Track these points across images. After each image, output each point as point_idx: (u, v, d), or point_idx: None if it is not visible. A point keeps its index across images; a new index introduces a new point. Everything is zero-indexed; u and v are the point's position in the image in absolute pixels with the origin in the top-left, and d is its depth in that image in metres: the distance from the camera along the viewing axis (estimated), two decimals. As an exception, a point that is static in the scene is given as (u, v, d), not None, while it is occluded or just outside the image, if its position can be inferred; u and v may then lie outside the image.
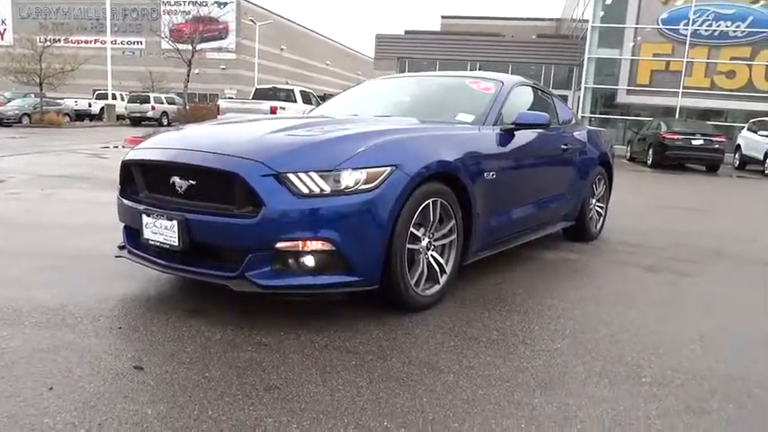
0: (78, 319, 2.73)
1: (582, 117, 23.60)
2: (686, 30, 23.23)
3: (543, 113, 3.83)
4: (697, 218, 7.28)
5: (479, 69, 29.38)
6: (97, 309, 2.88)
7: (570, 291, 3.57)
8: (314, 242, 2.56)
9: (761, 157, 16.27)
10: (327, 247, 2.56)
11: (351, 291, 2.69)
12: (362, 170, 2.61)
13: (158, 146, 3.05)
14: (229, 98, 30.21)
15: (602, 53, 24.79)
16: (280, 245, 2.56)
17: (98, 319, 2.74)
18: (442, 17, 47.46)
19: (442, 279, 3.10)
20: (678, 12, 23.43)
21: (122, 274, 3.40)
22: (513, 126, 3.72)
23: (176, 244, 2.71)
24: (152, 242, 2.82)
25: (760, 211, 8.78)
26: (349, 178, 2.58)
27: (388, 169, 2.67)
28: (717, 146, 15.70)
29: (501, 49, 29.39)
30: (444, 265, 3.11)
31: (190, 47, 27.28)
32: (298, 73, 66.36)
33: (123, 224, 3.15)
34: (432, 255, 3.04)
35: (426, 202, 2.88)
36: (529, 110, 4.02)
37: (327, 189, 2.55)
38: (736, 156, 18.09)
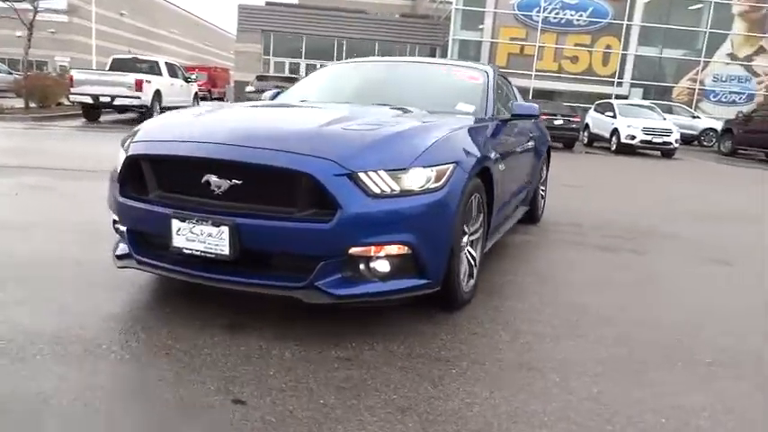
0: (101, 346, 2.29)
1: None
2: (538, 16, 25.16)
3: (534, 104, 3.92)
4: (584, 195, 7.83)
5: (345, 46, 29.41)
6: (114, 330, 2.43)
7: (568, 276, 3.74)
8: (390, 246, 2.38)
9: (607, 136, 18.24)
10: (403, 250, 2.40)
11: (417, 294, 2.55)
12: (432, 168, 2.46)
13: (180, 138, 2.61)
14: (85, 69, 26.96)
15: (464, 35, 26.01)
16: (354, 250, 2.34)
17: (128, 344, 2.32)
18: (301, -12, 46.57)
19: (475, 273, 3.07)
20: (531, -1, 25.25)
21: (105, 285, 2.92)
22: (510, 117, 3.76)
23: (226, 253, 2.36)
24: (187, 251, 2.44)
25: (631, 184, 9.82)
26: (420, 177, 2.43)
27: (451, 166, 2.55)
28: (574, 125, 17.30)
29: (366, 27, 29.53)
30: (476, 260, 3.09)
31: (29, 5, 23.68)
32: (141, 41, 61.11)
33: (125, 229, 2.69)
34: (468, 250, 3.00)
35: (471, 197, 2.83)
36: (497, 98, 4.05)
37: (397, 189, 2.37)
38: (585, 134, 20.09)
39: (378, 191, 2.34)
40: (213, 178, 2.41)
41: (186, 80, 18.90)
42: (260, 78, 16.91)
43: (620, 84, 25.47)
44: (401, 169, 2.40)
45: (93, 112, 14.95)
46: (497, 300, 3.13)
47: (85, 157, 7.70)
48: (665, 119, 17.38)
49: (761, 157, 17.73)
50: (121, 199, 2.63)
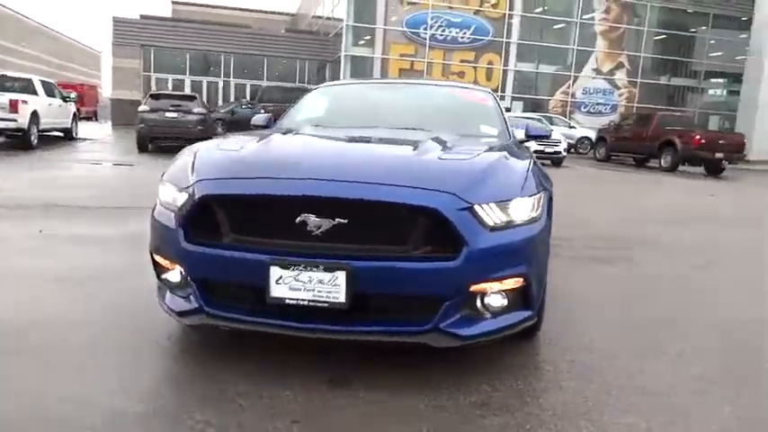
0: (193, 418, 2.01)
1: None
2: (426, 33, 26.08)
3: (545, 126, 4.03)
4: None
5: (233, 61, 28.51)
6: (205, 399, 2.15)
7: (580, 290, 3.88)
8: (507, 279, 2.33)
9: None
10: (519, 283, 2.37)
11: (522, 328, 2.49)
12: (532, 197, 2.46)
13: (265, 174, 2.37)
14: None
15: (356, 51, 26.29)
16: (475, 287, 2.27)
17: (232, 412, 2.05)
18: (173, 2, 44.48)
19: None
20: (418, 16, 26.13)
21: (170, 347, 2.57)
22: (525, 138, 3.83)
23: (341, 301, 2.18)
24: (290, 301, 2.20)
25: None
26: (525, 207, 2.41)
27: (542, 194, 2.55)
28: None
29: (253, 42, 28.83)
30: None
31: None
32: (-11, 57, 54.96)
33: (192, 279, 2.38)
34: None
35: None
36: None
37: (506, 220, 2.33)
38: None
39: (492, 224, 2.28)
40: (312, 218, 2.20)
41: (65, 99, 17.30)
42: (154, 97, 15.76)
43: (503, 97, 27.06)
44: (507, 200, 2.35)
45: (-43, 140, 13.18)
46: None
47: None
48: (552, 130, 18.71)
49: (630, 162, 19.71)
50: (190, 246, 2.33)
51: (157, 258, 2.55)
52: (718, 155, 16.58)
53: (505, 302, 2.35)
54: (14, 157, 11.19)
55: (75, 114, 18.15)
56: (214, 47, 28.00)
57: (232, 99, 28.06)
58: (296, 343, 2.45)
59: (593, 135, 22.54)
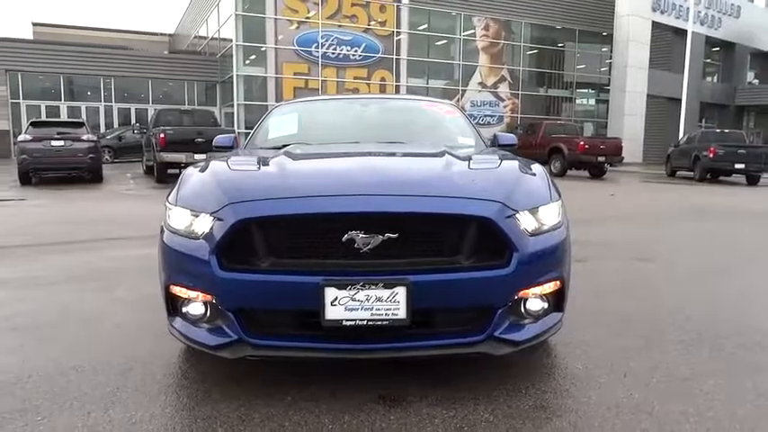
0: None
1: (240, 132, 24.03)
2: (318, 52, 26.11)
3: (512, 134, 4.17)
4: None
5: (114, 84, 26.79)
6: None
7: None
8: (548, 283, 2.38)
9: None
10: (557, 286, 2.43)
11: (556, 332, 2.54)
12: (556, 203, 2.54)
13: (308, 194, 2.24)
14: None
15: (248, 71, 25.74)
16: (522, 292, 2.28)
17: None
18: (34, 24, 41.18)
19: None
20: (309, 35, 26.08)
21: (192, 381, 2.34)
22: (498, 147, 3.94)
23: (402, 317, 2.10)
24: (348, 322, 2.09)
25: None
26: (553, 212, 2.49)
27: (560, 200, 2.63)
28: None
29: (135, 64, 27.28)
30: None
31: None
32: None
33: (226, 309, 2.18)
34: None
35: None
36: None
37: (538, 226, 2.39)
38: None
39: (531, 229, 2.32)
40: (361, 235, 2.12)
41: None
42: (36, 125, 14.38)
43: (397, 112, 27.72)
44: (539, 206, 2.41)
45: None
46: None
47: None
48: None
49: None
50: (225, 274, 2.15)
51: (176, 290, 2.32)
52: (601, 158, 18.08)
53: (546, 306, 2.40)
54: None
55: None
56: (90, 70, 26.13)
57: (116, 124, 26.30)
58: (321, 364, 2.36)
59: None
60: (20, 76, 25.26)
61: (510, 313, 2.29)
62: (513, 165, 2.71)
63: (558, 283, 2.41)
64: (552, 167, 18.74)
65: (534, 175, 2.65)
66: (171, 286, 2.34)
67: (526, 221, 2.30)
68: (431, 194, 2.26)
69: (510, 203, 2.27)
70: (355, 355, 2.17)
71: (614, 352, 2.85)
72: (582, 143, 18.13)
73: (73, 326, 3.22)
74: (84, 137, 13.93)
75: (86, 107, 26.48)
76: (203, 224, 2.23)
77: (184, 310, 2.33)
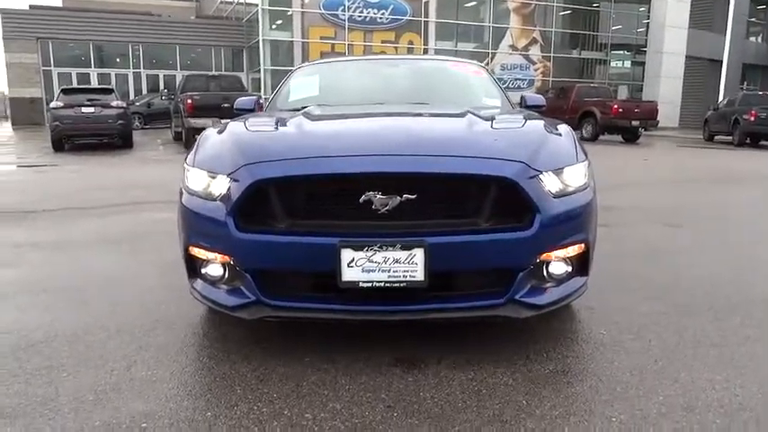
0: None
1: (266, 98, 24.02)
2: (344, 15, 25.73)
3: (540, 95, 4.04)
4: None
5: (142, 51, 26.91)
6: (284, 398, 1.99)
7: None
8: (572, 246, 2.31)
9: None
10: (582, 249, 2.36)
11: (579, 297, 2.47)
12: (583, 164, 2.44)
13: (327, 153, 2.20)
14: None
15: (275, 35, 25.56)
16: (544, 255, 2.22)
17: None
18: (59, -9, 41.39)
19: None
20: (335, -2, 25.70)
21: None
22: (525, 108, 3.82)
23: (420, 279, 2.07)
24: (365, 284, 2.07)
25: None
26: (579, 174, 2.39)
27: (587, 161, 2.53)
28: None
29: (162, 30, 27.31)
30: None
31: None
32: None
33: (245, 270, 2.18)
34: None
35: None
36: None
37: (563, 187, 2.30)
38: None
39: (555, 190, 2.25)
40: (379, 196, 2.08)
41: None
42: (67, 92, 14.59)
43: (425, 76, 27.29)
44: (564, 167, 2.32)
45: None
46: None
47: None
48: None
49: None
50: (243, 235, 2.13)
51: (195, 252, 2.33)
52: (635, 123, 17.55)
53: (569, 269, 2.34)
54: None
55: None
56: (119, 37, 26.27)
57: (145, 91, 26.53)
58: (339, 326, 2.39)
59: (515, 110, 23.20)
60: (50, 44, 25.57)
61: (532, 276, 2.23)
62: (537, 124, 2.62)
63: (582, 246, 2.33)
64: (584, 132, 18.29)
65: (560, 135, 2.55)
66: (190, 247, 2.35)
67: (550, 182, 2.22)
68: (450, 154, 2.19)
69: (533, 164, 2.19)
70: (374, 316, 2.16)
71: (640, 317, 2.78)
72: (615, 107, 17.60)
73: (102, 288, 3.28)
74: (114, 103, 14.10)
75: (116, 74, 26.72)
76: (220, 185, 2.22)
77: (204, 271, 2.34)
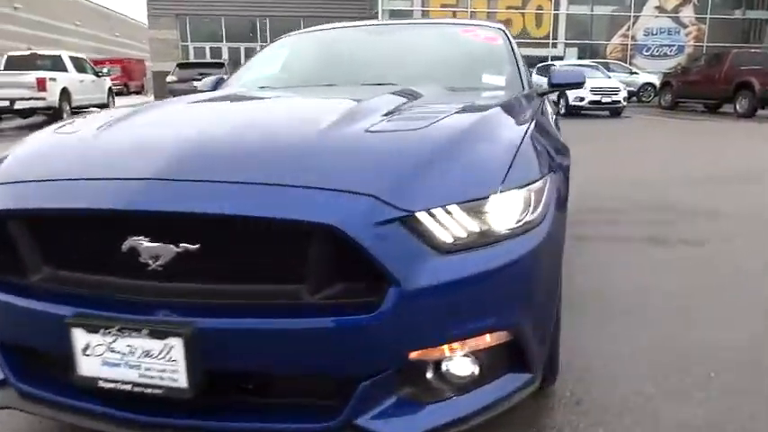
0: None
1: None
2: (468, -20, 24.33)
3: (579, 69, 2.95)
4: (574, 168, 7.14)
5: (269, 26, 27.60)
6: None
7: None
8: (481, 336, 1.36)
9: (554, 99, 17.84)
10: (502, 338, 1.38)
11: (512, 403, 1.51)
12: (527, 188, 1.43)
13: (73, 174, 1.46)
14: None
15: (394, 5, 24.86)
16: (416, 354, 1.31)
17: None
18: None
19: None
20: (458, -38, 24.34)
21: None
22: (548, 89, 2.80)
23: (181, 386, 1.27)
24: (106, 384, 1.32)
25: (610, 150, 9.13)
26: (514, 205, 1.39)
27: (548, 178, 1.53)
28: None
29: (288, 4, 27.77)
30: None
31: None
32: (41, 36, 56.12)
33: None
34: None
35: None
36: None
37: (474, 231, 1.34)
38: (530, 98, 19.63)
39: (451, 240, 1.30)
40: (144, 244, 1.29)
41: (97, 75, 16.99)
42: (182, 66, 15.19)
43: (554, 45, 25.07)
44: (483, 198, 1.35)
45: (-9, 118, 13.14)
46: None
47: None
48: (609, 77, 17.03)
49: (701, 108, 17.66)
50: None
51: None
52: (804, 95, 14.52)
53: (474, 370, 1.39)
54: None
55: (110, 89, 17.79)
56: (249, 12, 27.15)
57: (271, 64, 27.31)
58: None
59: (656, 81, 20.50)
60: (188, 20, 27.09)
61: (397, 385, 1.34)
62: (458, 123, 1.63)
63: (502, 332, 1.37)
64: (738, 106, 15.51)
65: (498, 140, 1.56)
66: None
67: (443, 225, 1.29)
68: (261, 182, 1.33)
69: (395, 198, 1.26)
70: (119, 428, 1.39)
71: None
72: (779, 76, 14.66)
73: None
74: (225, 76, 14.39)
75: (245, 47, 27.72)
76: None
77: None
